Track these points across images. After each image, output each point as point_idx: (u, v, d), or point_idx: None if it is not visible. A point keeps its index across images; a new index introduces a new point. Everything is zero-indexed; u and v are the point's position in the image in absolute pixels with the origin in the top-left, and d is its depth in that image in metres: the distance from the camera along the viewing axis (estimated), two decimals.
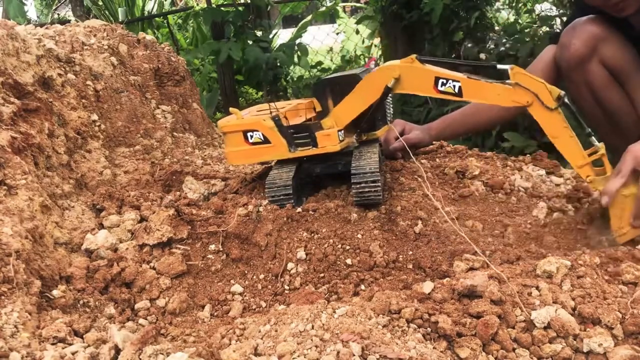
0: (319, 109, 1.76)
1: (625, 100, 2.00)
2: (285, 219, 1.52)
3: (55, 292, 1.22)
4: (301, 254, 1.45)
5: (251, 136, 1.60)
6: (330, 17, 6.51)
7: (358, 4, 7.14)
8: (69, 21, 4.64)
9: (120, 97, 2.15)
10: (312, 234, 1.49)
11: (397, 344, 0.99)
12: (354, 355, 0.93)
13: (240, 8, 5.04)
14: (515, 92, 1.41)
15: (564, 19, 3.72)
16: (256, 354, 0.99)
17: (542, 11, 4.56)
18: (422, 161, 1.90)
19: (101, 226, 1.53)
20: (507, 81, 1.41)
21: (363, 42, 6.28)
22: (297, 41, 5.51)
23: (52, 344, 1.04)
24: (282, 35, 6.64)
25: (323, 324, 1.02)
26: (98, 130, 1.94)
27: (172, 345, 1.00)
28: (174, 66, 2.58)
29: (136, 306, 1.33)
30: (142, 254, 1.44)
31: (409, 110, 3.96)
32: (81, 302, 1.25)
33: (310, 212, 1.55)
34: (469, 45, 3.95)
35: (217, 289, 1.41)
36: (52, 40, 2.04)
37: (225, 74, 5.18)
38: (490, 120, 2.17)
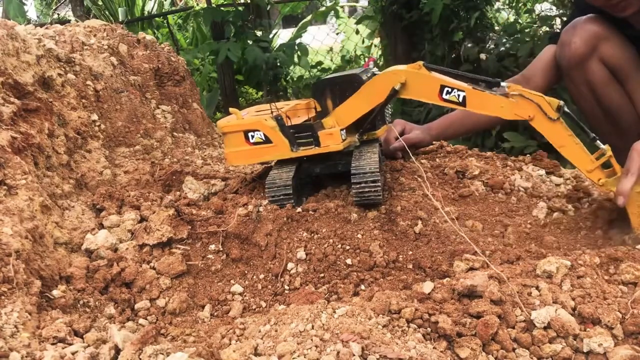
0: (317, 109, 1.75)
1: (625, 99, 2.01)
2: (285, 219, 1.52)
3: (55, 292, 1.22)
4: (301, 254, 1.45)
5: (252, 136, 1.60)
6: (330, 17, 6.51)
7: (358, 4, 7.14)
8: (69, 21, 4.64)
9: (120, 97, 2.15)
10: (312, 234, 1.49)
11: (397, 344, 0.99)
12: (354, 355, 0.93)
13: (240, 8, 5.04)
14: (517, 106, 1.43)
15: (564, 19, 3.72)
16: (256, 354, 0.99)
17: (542, 11, 4.55)
18: (422, 161, 1.90)
19: (101, 226, 1.53)
20: (512, 93, 1.44)
21: (363, 42, 6.28)
22: (297, 41, 5.51)
23: (52, 344, 1.04)
24: (282, 35, 6.64)
25: (323, 324, 1.02)
26: (98, 130, 1.94)
27: (172, 345, 1.00)
28: (174, 66, 2.58)
29: (136, 306, 1.33)
30: (142, 254, 1.44)
31: (409, 110, 3.96)
32: (81, 302, 1.25)
33: (310, 212, 1.55)
34: (469, 45, 3.95)
35: (217, 289, 1.41)
36: (52, 40, 2.04)
37: (225, 74, 5.18)
38: (491, 120, 2.16)
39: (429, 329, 1.07)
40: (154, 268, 1.41)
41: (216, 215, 1.56)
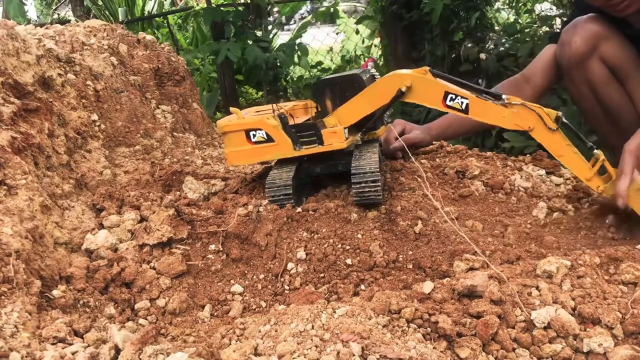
0: (318, 109, 1.76)
1: (625, 98, 2.01)
2: (285, 219, 1.52)
3: (55, 292, 1.22)
4: (301, 254, 1.45)
5: (254, 135, 1.60)
6: (330, 17, 6.50)
7: (358, 4, 7.14)
8: (69, 21, 4.64)
9: (120, 97, 2.15)
10: (312, 234, 1.49)
11: (397, 344, 0.99)
12: (354, 355, 0.93)
13: (240, 8, 5.04)
14: (518, 116, 1.47)
15: (564, 19, 3.72)
16: (256, 354, 0.99)
17: (542, 11, 4.55)
18: (422, 161, 1.90)
19: (101, 226, 1.53)
20: (514, 102, 1.47)
21: (363, 42, 6.28)
22: (297, 41, 5.51)
23: (52, 344, 1.04)
24: (282, 35, 6.64)
25: (323, 324, 1.02)
26: (98, 130, 1.94)
27: (172, 345, 1.00)
28: (174, 66, 2.58)
29: (136, 306, 1.33)
30: (142, 254, 1.44)
31: (409, 110, 3.96)
32: (81, 302, 1.25)
33: (310, 212, 1.55)
34: (469, 45, 3.95)
35: (217, 289, 1.41)
36: (52, 40, 2.04)
37: (225, 74, 5.18)
38: None
39: (429, 329, 1.07)
40: (154, 268, 1.41)
41: (216, 215, 1.56)
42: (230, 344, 1.07)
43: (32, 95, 1.62)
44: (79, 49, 2.15)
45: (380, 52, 5.60)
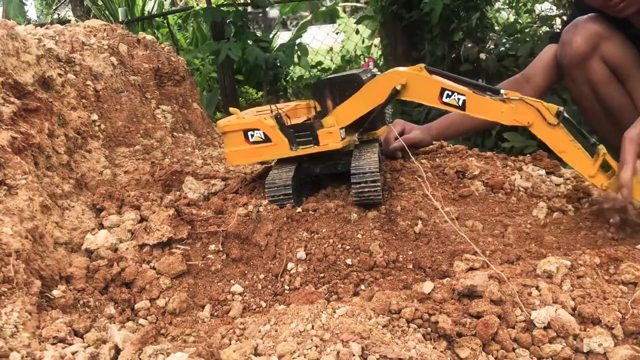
0: (317, 109, 1.76)
1: (626, 98, 2.01)
2: (285, 219, 1.52)
3: (55, 292, 1.22)
4: (301, 254, 1.45)
5: (252, 135, 1.61)
6: (330, 17, 6.51)
7: (358, 4, 7.14)
8: (69, 21, 4.64)
9: (120, 97, 2.15)
10: (312, 234, 1.49)
11: (397, 344, 0.99)
12: (354, 355, 0.93)
13: (240, 8, 5.04)
14: (517, 112, 1.44)
15: (564, 18, 3.72)
16: (256, 354, 0.99)
17: (542, 11, 4.56)
18: (422, 161, 1.90)
19: (101, 226, 1.53)
20: (512, 98, 1.44)
21: (363, 42, 6.28)
22: (297, 41, 5.51)
23: (52, 344, 1.04)
24: (282, 36, 6.64)
25: (323, 324, 1.02)
26: (98, 130, 1.94)
27: (172, 345, 1.00)
28: (174, 66, 2.58)
29: (136, 306, 1.33)
30: (142, 254, 1.44)
31: (409, 110, 3.96)
32: (81, 302, 1.25)
33: (310, 212, 1.55)
34: (469, 45, 3.95)
35: (217, 289, 1.41)
36: (52, 40, 2.04)
37: (225, 74, 5.18)
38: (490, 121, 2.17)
39: (429, 329, 1.07)
40: (154, 268, 1.41)
41: (216, 215, 1.56)
42: (230, 344, 1.07)
43: (32, 95, 1.62)
44: (79, 49, 2.15)
45: (380, 52, 5.60)
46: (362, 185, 1.52)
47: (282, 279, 1.42)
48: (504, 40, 3.85)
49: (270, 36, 5.70)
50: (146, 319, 1.30)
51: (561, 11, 4.06)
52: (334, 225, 1.51)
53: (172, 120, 2.40)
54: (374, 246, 1.45)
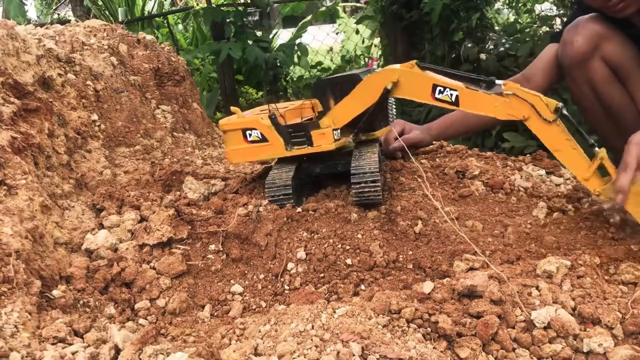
0: (320, 109, 1.76)
1: (626, 98, 2.01)
2: (285, 219, 1.52)
3: (55, 292, 1.22)
4: (301, 254, 1.45)
5: (250, 134, 1.62)
6: (330, 17, 6.51)
7: (358, 4, 7.14)
8: (69, 21, 4.64)
9: (120, 97, 2.15)
10: (312, 234, 1.49)
11: (397, 344, 0.99)
12: (354, 355, 0.93)
13: (240, 8, 5.04)
14: (511, 106, 1.39)
15: (564, 19, 3.72)
16: (256, 354, 0.99)
17: (542, 11, 4.56)
18: (422, 161, 1.90)
19: (101, 226, 1.53)
20: (505, 92, 1.39)
21: (363, 42, 6.28)
22: (297, 41, 5.51)
23: (52, 344, 1.04)
24: (282, 35, 6.64)
25: (323, 324, 1.02)
26: (98, 130, 1.94)
27: (172, 345, 1.00)
28: (174, 66, 2.58)
29: (136, 306, 1.33)
30: (142, 254, 1.44)
31: (409, 110, 3.96)
32: (81, 302, 1.25)
33: (310, 212, 1.55)
34: (469, 45, 3.95)
35: (217, 289, 1.41)
36: (52, 40, 2.04)
37: (225, 74, 5.18)
38: (491, 120, 2.16)
39: (429, 329, 1.07)
40: (154, 268, 1.41)
41: (216, 215, 1.56)
42: (230, 344, 1.07)
43: (32, 95, 1.62)
44: (79, 49, 2.15)
45: (380, 52, 5.60)
46: (362, 185, 1.52)
47: (282, 279, 1.42)
48: (504, 40, 3.85)
49: (270, 36, 5.70)
50: (146, 319, 1.30)
51: (561, 11, 4.06)
52: (334, 225, 1.51)
53: (172, 120, 2.40)
54: (374, 246, 1.45)
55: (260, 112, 1.74)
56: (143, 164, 1.94)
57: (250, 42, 4.84)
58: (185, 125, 2.53)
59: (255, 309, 1.37)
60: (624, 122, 2.01)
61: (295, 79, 6.06)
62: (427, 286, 1.17)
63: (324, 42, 6.82)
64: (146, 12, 6.71)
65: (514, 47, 3.71)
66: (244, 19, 4.84)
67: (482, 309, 1.09)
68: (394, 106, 1.81)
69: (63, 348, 1.02)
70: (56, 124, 1.69)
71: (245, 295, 1.40)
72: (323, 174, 1.69)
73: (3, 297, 1.07)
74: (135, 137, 2.10)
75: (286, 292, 1.40)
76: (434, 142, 2.09)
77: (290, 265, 1.44)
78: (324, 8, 6.14)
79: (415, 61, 1.50)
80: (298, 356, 0.94)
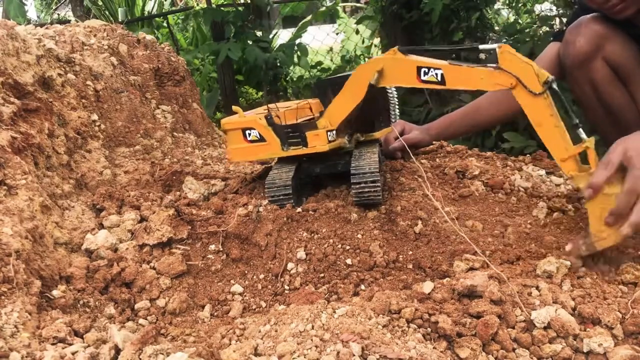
0: (321, 109, 1.76)
1: (627, 98, 2.01)
2: (285, 219, 1.52)
3: (55, 292, 1.22)
4: (301, 254, 1.45)
5: (249, 134, 1.63)
6: (330, 17, 6.51)
7: (358, 4, 7.14)
8: (69, 21, 4.64)
9: (120, 97, 2.15)
10: (312, 234, 1.49)
11: (397, 344, 0.99)
12: (354, 355, 0.93)
13: (240, 8, 5.04)
14: (498, 75, 1.31)
15: (564, 19, 3.72)
16: (256, 354, 0.99)
17: (542, 11, 4.56)
18: (422, 161, 1.90)
19: (101, 226, 1.53)
20: (490, 65, 1.33)
21: (363, 42, 6.28)
22: (297, 41, 5.51)
23: (52, 344, 1.04)
24: (282, 35, 6.64)
25: (323, 324, 1.02)
26: (98, 130, 1.94)
27: (172, 345, 1.00)
28: (174, 66, 2.58)
29: (136, 306, 1.33)
30: (142, 254, 1.44)
31: (409, 110, 3.96)
32: (81, 302, 1.25)
33: (310, 212, 1.55)
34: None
35: (217, 289, 1.41)
36: (52, 40, 2.04)
37: (225, 74, 5.18)
38: (490, 120, 2.17)
39: (429, 329, 1.07)
40: (154, 268, 1.41)
41: (216, 215, 1.56)
42: (230, 344, 1.07)
43: (32, 95, 1.62)
44: (79, 49, 2.15)
45: (380, 52, 5.59)
46: (362, 185, 1.52)
47: (282, 279, 1.42)
48: (504, 40, 3.85)
49: (270, 36, 5.70)
50: (146, 319, 1.30)
51: (561, 11, 4.05)
52: (334, 225, 1.51)
53: (172, 120, 2.40)
54: (374, 246, 1.45)
55: (264, 111, 1.75)
56: (143, 164, 1.94)
57: (250, 42, 4.84)
58: (185, 125, 2.53)
59: (255, 309, 1.37)
60: (625, 122, 2.01)
61: (295, 79, 6.06)
62: (427, 286, 1.17)
63: (324, 42, 6.82)
64: (146, 12, 6.71)
65: (513, 47, 3.70)
66: (244, 19, 4.84)
67: (482, 309, 1.09)
68: (397, 106, 1.81)
69: (63, 348, 1.02)
70: (56, 124, 1.69)
71: (245, 295, 1.40)
72: (323, 174, 1.69)
73: (3, 297, 1.07)
74: (135, 137, 2.10)
75: (286, 292, 1.40)
76: (433, 142, 2.09)
77: (290, 265, 1.44)
78: (324, 8, 6.14)
79: (396, 47, 1.46)
80: (298, 356, 0.94)
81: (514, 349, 1.06)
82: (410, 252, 1.45)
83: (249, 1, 5.16)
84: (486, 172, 1.81)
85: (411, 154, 1.61)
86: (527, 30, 4.01)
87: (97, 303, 1.28)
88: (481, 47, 1.37)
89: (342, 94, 1.57)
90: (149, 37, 2.61)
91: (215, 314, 1.36)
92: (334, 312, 1.07)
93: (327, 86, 1.66)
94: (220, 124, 1.73)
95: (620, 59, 1.96)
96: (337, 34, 6.75)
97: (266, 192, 1.59)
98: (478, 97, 2.13)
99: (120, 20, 5.65)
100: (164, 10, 6.70)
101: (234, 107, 1.71)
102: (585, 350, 1.04)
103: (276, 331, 1.05)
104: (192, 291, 1.40)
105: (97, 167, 1.79)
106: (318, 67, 6.10)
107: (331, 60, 6.72)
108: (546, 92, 1.26)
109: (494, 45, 1.32)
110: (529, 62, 1.28)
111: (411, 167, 1.81)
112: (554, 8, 4.32)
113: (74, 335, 1.10)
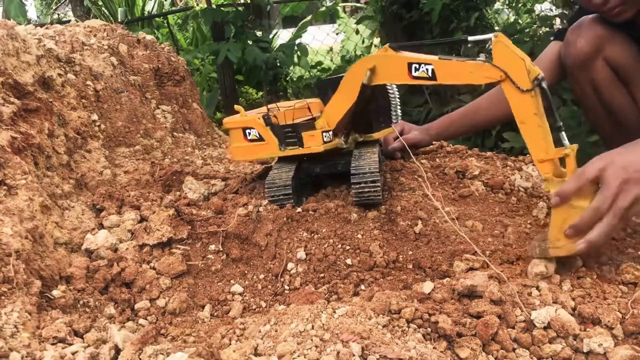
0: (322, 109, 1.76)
1: (628, 99, 2.00)
2: (285, 219, 1.52)
3: (55, 292, 1.22)
4: (301, 254, 1.45)
5: (249, 133, 1.64)
6: (330, 17, 6.51)
7: (358, 4, 7.14)
8: (69, 21, 4.64)
9: (120, 97, 2.15)
10: (312, 234, 1.49)
11: (397, 344, 0.99)
12: (354, 355, 0.93)
13: (240, 8, 5.04)
14: (487, 68, 1.28)
15: (564, 19, 3.72)
16: (256, 354, 0.99)
17: (542, 11, 4.55)
18: (422, 161, 1.90)
19: (101, 226, 1.53)
20: (480, 58, 1.30)
21: (363, 42, 6.28)
22: (297, 41, 5.51)
23: (52, 344, 1.04)
24: (282, 35, 6.64)
25: (323, 324, 1.02)
26: (98, 130, 1.94)
27: (172, 345, 1.00)
28: (174, 66, 2.58)
29: (136, 306, 1.33)
30: (142, 254, 1.44)
31: (409, 111, 3.96)
32: (81, 302, 1.25)
33: (310, 212, 1.55)
34: (469, 45, 3.95)
35: (217, 289, 1.41)
36: (52, 40, 2.04)
37: (225, 74, 5.18)
38: (490, 120, 2.17)
39: (429, 329, 1.07)
40: (154, 268, 1.41)
41: (216, 215, 1.56)
42: (230, 344, 1.07)
43: (32, 95, 1.62)
44: (79, 49, 2.15)
45: None
46: (362, 185, 1.52)
47: (282, 279, 1.42)
48: None
49: (270, 36, 5.70)
50: (146, 319, 1.30)
51: (561, 11, 4.05)
52: (334, 225, 1.51)
53: (172, 120, 2.40)
54: (374, 246, 1.45)
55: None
56: (143, 164, 1.94)
57: (250, 42, 4.84)
58: (185, 125, 2.53)
59: (255, 309, 1.37)
60: (626, 123, 2.01)
61: (295, 79, 6.06)
62: (427, 286, 1.17)
63: (324, 42, 6.81)
64: (146, 12, 6.71)
65: None
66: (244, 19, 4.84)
67: (482, 309, 1.09)
68: (399, 106, 1.80)
69: (63, 348, 1.02)
70: (56, 124, 1.69)
71: (245, 295, 1.40)
72: (323, 174, 1.69)
73: (3, 297, 1.07)
74: (135, 137, 2.10)
75: (286, 292, 1.40)
76: (433, 142, 2.09)
77: (290, 265, 1.44)
78: (324, 8, 6.14)
79: (387, 45, 1.45)
80: (298, 356, 0.94)
81: (514, 349, 1.06)
82: (410, 252, 1.45)
83: (249, 1, 5.16)
84: (486, 172, 1.81)
85: (411, 154, 1.61)
86: (527, 30, 4.01)
87: (97, 303, 1.28)
88: (470, 38, 1.34)
89: (337, 94, 1.57)
90: (149, 37, 2.61)
91: (215, 314, 1.36)
92: (334, 312, 1.07)
93: (327, 86, 1.66)
94: (220, 124, 1.74)
95: (620, 59, 1.96)
96: (337, 34, 6.75)
97: (266, 192, 1.59)
98: (478, 97, 2.13)
99: (120, 20, 5.65)
100: (164, 10, 6.70)
101: (236, 107, 1.71)
102: (585, 350, 1.04)
103: (276, 331, 1.05)
104: (192, 291, 1.40)
105: (97, 167, 1.79)
106: (318, 67, 6.10)
107: (331, 60, 6.72)
108: (534, 89, 1.23)
109: (490, 35, 1.28)
110: (522, 57, 1.24)
111: (411, 167, 1.81)
112: (554, 8, 4.32)
113: (74, 335, 1.10)
